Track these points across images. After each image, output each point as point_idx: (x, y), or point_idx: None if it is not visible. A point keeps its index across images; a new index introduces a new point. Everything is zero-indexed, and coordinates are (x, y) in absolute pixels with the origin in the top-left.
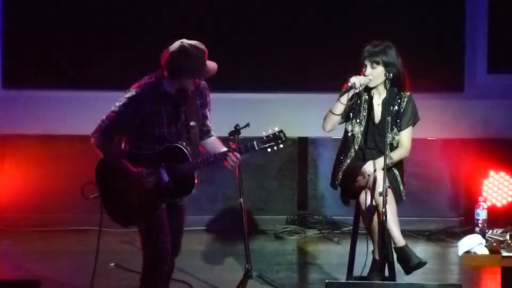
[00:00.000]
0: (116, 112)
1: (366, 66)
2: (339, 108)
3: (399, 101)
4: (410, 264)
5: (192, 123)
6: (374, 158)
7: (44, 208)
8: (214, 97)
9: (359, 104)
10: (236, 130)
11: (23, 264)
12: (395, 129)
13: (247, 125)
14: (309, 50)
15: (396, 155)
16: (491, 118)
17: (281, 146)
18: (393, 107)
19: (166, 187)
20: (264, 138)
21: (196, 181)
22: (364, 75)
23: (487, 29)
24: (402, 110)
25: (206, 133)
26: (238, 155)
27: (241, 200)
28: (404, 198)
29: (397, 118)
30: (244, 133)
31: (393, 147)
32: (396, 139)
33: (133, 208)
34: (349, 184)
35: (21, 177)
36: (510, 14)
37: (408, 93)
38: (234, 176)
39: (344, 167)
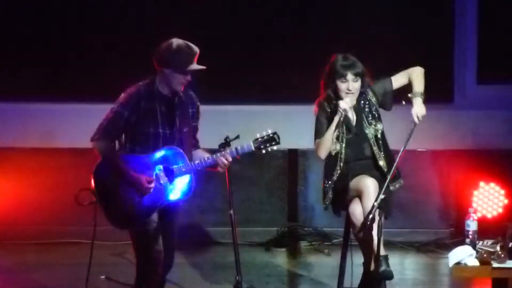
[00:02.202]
0: (114, 111)
1: (347, 80)
2: (332, 136)
3: (366, 99)
4: (379, 270)
5: (185, 129)
6: (363, 167)
7: (35, 221)
8: (204, 109)
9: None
10: (226, 142)
11: (14, 277)
12: (373, 121)
13: (237, 137)
14: (299, 62)
15: (416, 76)
16: (481, 129)
17: (275, 148)
18: (364, 106)
19: (166, 189)
20: (259, 138)
21: (193, 182)
22: (347, 90)
23: (476, 39)
24: (374, 98)
25: (194, 145)
26: (228, 158)
27: (231, 211)
28: (400, 183)
29: (371, 111)
30: (234, 145)
31: (378, 138)
32: (379, 129)
33: (133, 210)
34: (340, 195)
35: (12, 190)
36: (500, 25)
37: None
38: (224, 188)
39: (333, 180)
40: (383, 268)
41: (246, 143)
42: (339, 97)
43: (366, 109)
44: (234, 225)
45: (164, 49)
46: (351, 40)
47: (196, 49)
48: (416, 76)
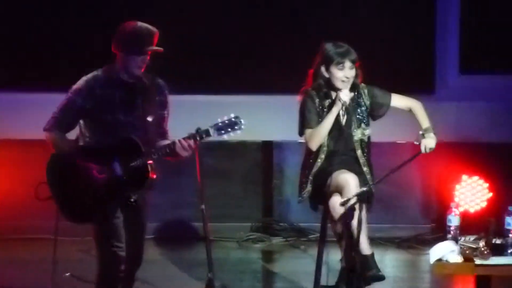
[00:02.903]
0: (66, 99)
1: (344, 67)
2: (330, 126)
3: (360, 100)
4: (369, 274)
5: (149, 118)
6: (345, 162)
7: (2, 216)
8: (174, 99)
9: (321, 111)
10: (198, 133)
11: None
12: (363, 124)
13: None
14: (273, 51)
15: (421, 112)
16: (463, 121)
17: (238, 132)
18: (357, 107)
19: (119, 180)
20: (219, 123)
21: (153, 175)
22: (344, 77)
23: (458, 28)
24: (369, 102)
25: (162, 135)
26: (188, 141)
27: (203, 206)
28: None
29: (362, 114)
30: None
31: (363, 142)
32: (366, 134)
33: (87, 203)
34: (318, 189)
35: None
36: (482, 13)
37: (362, 84)
38: (196, 182)
39: (313, 173)
40: (373, 271)
41: (204, 129)
42: (330, 87)
43: (359, 111)
44: (205, 220)
45: (118, 32)
46: (328, 29)
47: (152, 29)
48: (420, 112)
